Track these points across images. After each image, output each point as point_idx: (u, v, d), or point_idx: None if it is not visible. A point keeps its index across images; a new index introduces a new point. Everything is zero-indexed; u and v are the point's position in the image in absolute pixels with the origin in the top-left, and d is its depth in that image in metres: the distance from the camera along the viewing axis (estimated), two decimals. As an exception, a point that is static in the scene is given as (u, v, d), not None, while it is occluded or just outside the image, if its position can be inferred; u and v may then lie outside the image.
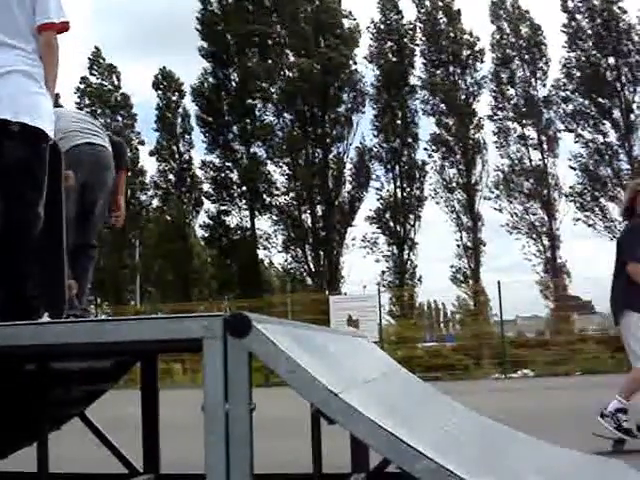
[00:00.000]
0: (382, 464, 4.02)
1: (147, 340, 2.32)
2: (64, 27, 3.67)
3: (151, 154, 37.69)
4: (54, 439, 3.68)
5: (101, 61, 38.59)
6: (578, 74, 32.94)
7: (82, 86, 38.02)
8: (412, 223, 33.90)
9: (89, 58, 38.37)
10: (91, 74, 38.33)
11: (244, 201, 35.41)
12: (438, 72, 34.38)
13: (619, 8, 32.50)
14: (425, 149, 34.61)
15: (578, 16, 33.63)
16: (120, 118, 38.14)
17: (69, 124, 4.89)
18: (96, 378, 4.37)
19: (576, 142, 32.66)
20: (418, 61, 35.22)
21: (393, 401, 2.90)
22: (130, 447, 4.43)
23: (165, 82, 38.14)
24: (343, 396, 2.09)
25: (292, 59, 35.53)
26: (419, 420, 3.04)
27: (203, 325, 2.16)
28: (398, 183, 34.56)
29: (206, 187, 36.49)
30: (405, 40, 35.38)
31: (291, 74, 35.27)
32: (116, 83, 38.69)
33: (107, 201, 5.17)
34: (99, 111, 37.32)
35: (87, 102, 37.64)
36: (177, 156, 37.50)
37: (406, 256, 33.46)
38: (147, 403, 4.35)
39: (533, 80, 34.21)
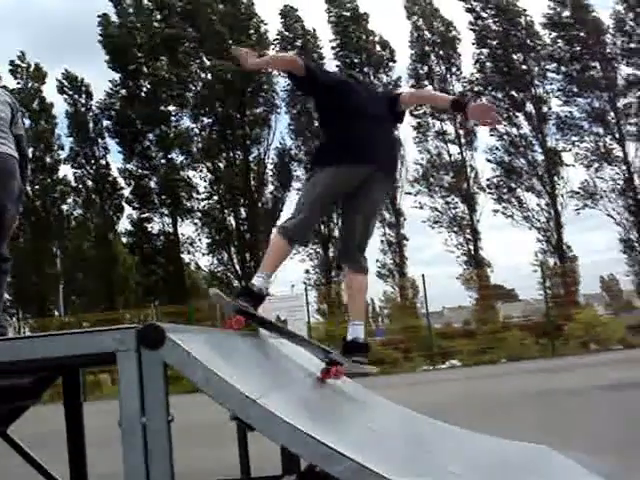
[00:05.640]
0: (313, 465, 4.03)
1: (60, 356, 2.26)
2: None
3: (65, 161, 36.71)
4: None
5: (24, 65, 37.39)
6: (490, 68, 33.77)
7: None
8: (335, 222, 34.09)
9: (12, 62, 37.18)
10: (15, 77, 37.10)
11: (165, 207, 34.93)
12: (354, 73, 34.51)
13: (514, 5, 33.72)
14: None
15: (483, 14, 34.50)
16: (43, 122, 37.01)
17: None
18: (16, 395, 4.23)
19: (491, 135, 33.37)
20: (331, 64, 35.36)
21: (317, 403, 2.90)
22: (56, 464, 4.32)
23: (70, 85, 37.15)
24: (261, 401, 2.08)
25: (208, 62, 35.22)
26: (343, 420, 3.05)
27: (116, 338, 2.11)
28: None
29: (126, 193, 35.88)
30: (310, 45, 35.49)
31: (209, 77, 35.00)
32: (36, 86, 37.53)
33: (16, 212, 4.90)
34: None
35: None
36: (93, 161, 36.65)
37: (331, 254, 33.62)
38: (71, 418, 4.24)
39: (449, 76, 34.86)
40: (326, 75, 4.34)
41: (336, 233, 33.86)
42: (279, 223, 4.18)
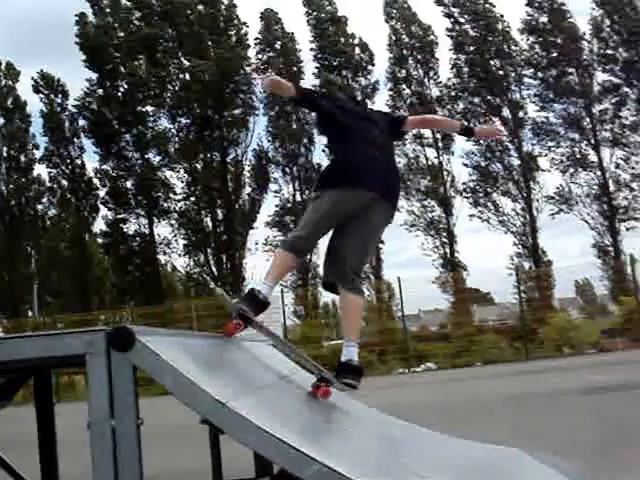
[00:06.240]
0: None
1: (31, 358, 2.24)
2: None
3: (40, 161, 36.41)
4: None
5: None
6: (467, 72, 34.00)
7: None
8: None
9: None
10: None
11: (141, 208, 34.64)
12: (332, 76, 34.51)
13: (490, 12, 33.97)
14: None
15: (461, 19, 34.72)
16: (17, 121, 36.67)
17: None
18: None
19: (468, 140, 33.59)
20: (311, 65, 35.39)
21: (288, 406, 2.88)
22: (27, 465, 4.26)
23: (45, 84, 36.82)
24: (231, 405, 2.06)
25: (186, 63, 35.06)
26: (315, 423, 3.04)
27: (85, 341, 2.09)
28: (297, 186, 34.69)
29: (102, 194, 35.55)
30: (289, 47, 35.52)
31: (187, 77, 34.83)
32: (10, 84, 37.17)
33: None
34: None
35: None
36: (69, 161, 36.30)
37: (308, 256, 33.56)
38: (42, 420, 4.19)
39: (426, 80, 34.99)
40: (329, 101, 4.41)
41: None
42: (284, 237, 4.38)
